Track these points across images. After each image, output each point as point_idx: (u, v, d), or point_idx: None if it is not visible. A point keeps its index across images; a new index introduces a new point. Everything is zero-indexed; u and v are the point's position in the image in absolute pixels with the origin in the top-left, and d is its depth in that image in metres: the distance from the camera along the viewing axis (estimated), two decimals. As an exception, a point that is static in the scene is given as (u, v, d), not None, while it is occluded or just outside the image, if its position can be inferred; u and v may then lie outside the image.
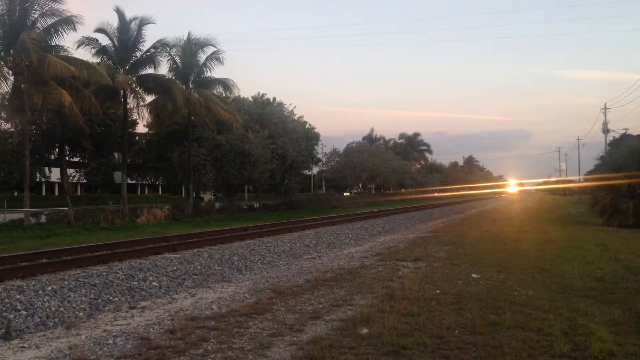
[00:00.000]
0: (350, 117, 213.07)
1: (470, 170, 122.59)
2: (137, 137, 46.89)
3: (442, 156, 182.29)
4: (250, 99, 42.32)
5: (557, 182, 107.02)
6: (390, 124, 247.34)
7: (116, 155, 49.60)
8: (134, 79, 28.46)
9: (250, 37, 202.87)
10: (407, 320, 6.90)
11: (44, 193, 55.68)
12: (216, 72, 32.86)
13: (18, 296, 8.00)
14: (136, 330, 6.88)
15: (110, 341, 6.38)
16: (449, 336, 6.18)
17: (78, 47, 26.85)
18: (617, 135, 52.24)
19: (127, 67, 28.42)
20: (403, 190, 77.49)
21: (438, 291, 8.92)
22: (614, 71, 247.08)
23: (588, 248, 15.45)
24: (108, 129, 41.52)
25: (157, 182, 62.82)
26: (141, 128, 45.22)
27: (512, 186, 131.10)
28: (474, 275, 10.63)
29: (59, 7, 23.08)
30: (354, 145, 65.96)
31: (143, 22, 28.39)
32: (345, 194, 66.25)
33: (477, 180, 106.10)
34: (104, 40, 27.96)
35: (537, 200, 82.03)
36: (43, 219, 23.83)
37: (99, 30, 27.31)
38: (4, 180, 41.29)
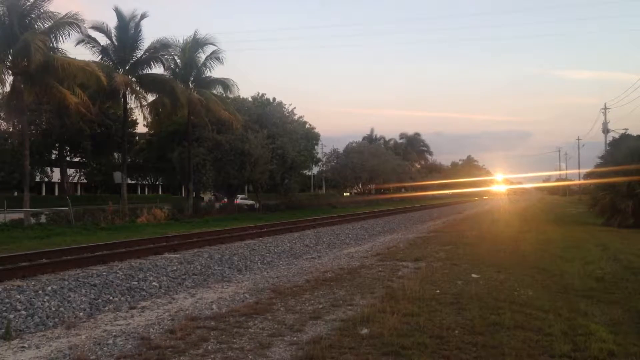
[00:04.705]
0: (350, 117, 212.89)
1: (469, 170, 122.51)
2: (137, 137, 46.92)
3: (441, 156, 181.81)
4: (250, 99, 42.35)
5: (557, 181, 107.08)
6: (391, 124, 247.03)
7: (116, 155, 49.61)
8: (133, 79, 28.48)
9: (250, 37, 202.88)
10: (407, 320, 6.89)
11: (44, 193, 55.69)
12: (216, 71, 32.99)
13: (18, 296, 7.99)
14: (136, 330, 6.87)
15: (110, 341, 6.37)
16: (449, 336, 6.18)
17: (77, 44, 26.89)
18: (617, 136, 52.22)
19: (127, 67, 28.43)
20: (403, 190, 77.52)
21: (438, 291, 8.91)
22: (614, 71, 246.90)
23: (588, 248, 15.47)
24: (108, 129, 41.53)
25: (157, 182, 62.88)
26: (141, 128, 45.31)
27: (510, 186, 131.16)
28: (474, 275, 10.63)
29: (57, 10, 23.20)
30: (354, 145, 66.02)
31: (142, 18, 28.52)
32: (345, 194, 66.26)
33: (477, 180, 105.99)
34: (103, 40, 28.03)
35: (537, 200, 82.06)
36: (43, 219, 23.82)
37: (96, 28, 27.30)
38: (4, 180, 41.29)
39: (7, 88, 23.35)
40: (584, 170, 57.36)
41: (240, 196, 46.95)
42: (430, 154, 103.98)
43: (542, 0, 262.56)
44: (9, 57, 22.77)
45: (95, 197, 47.49)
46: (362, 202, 56.07)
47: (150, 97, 29.79)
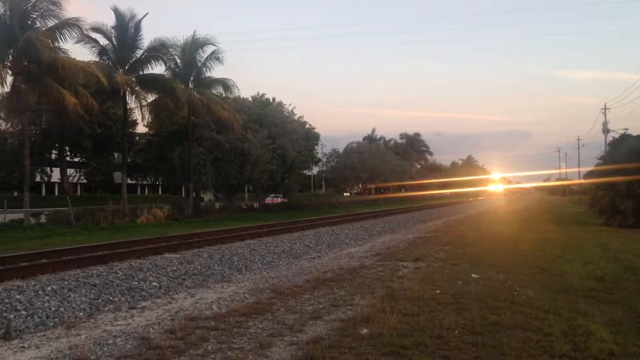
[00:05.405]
0: (350, 117, 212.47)
1: (469, 170, 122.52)
2: (137, 137, 46.86)
3: (441, 156, 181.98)
4: (250, 99, 42.35)
5: (557, 181, 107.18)
6: (391, 124, 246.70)
7: (116, 155, 49.56)
8: (133, 79, 28.48)
9: (250, 37, 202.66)
10: (407, 320, 6.89)
11: (44, 193, 55.64)
12: (216, 71, 33.00)
13: (18, 296, 7.99)
14: (136, 331, 6.87)
15: (110, 341, 6.37)
16: (449, 336, 6.18)
17: (76, 43, 26.89)
18: (617, 136, 52.27)
19: (126, 67, 28.43)
20: (403, 190, 77.50)
21: (438, 291, 8.91)
22: (614, 71, 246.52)
23: (588, 248, 15.48)
24: (108, 129, 41.50)
25: (157, 182, 62.82)
26: (141, 128, 45.26)
27: (510, 185, 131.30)
28: (473, 275, 10.63)
29: (59, 10, 23.19)
30: (354, 145, 66.05)
31: (142, 18, 28.61)
32: (345, 194, 66.26)
33: (477, 180, 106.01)
34: (103, 40, 28.06)
35: (537, 200, 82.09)
36: (43, 219, 23.83)
37: (96, 30, 27.31)
38: (4, 180, 41.30)
39: (7, 88, 23.39)
40: (584, 170, 57.45)
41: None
42: (430, 154, 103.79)
43: (543, 0, 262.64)
44: (9, 56, 22.77)
45: (95, 197, 47.41)
46: (362, 202, 56.04)
47: (150, 97, 29.83)
